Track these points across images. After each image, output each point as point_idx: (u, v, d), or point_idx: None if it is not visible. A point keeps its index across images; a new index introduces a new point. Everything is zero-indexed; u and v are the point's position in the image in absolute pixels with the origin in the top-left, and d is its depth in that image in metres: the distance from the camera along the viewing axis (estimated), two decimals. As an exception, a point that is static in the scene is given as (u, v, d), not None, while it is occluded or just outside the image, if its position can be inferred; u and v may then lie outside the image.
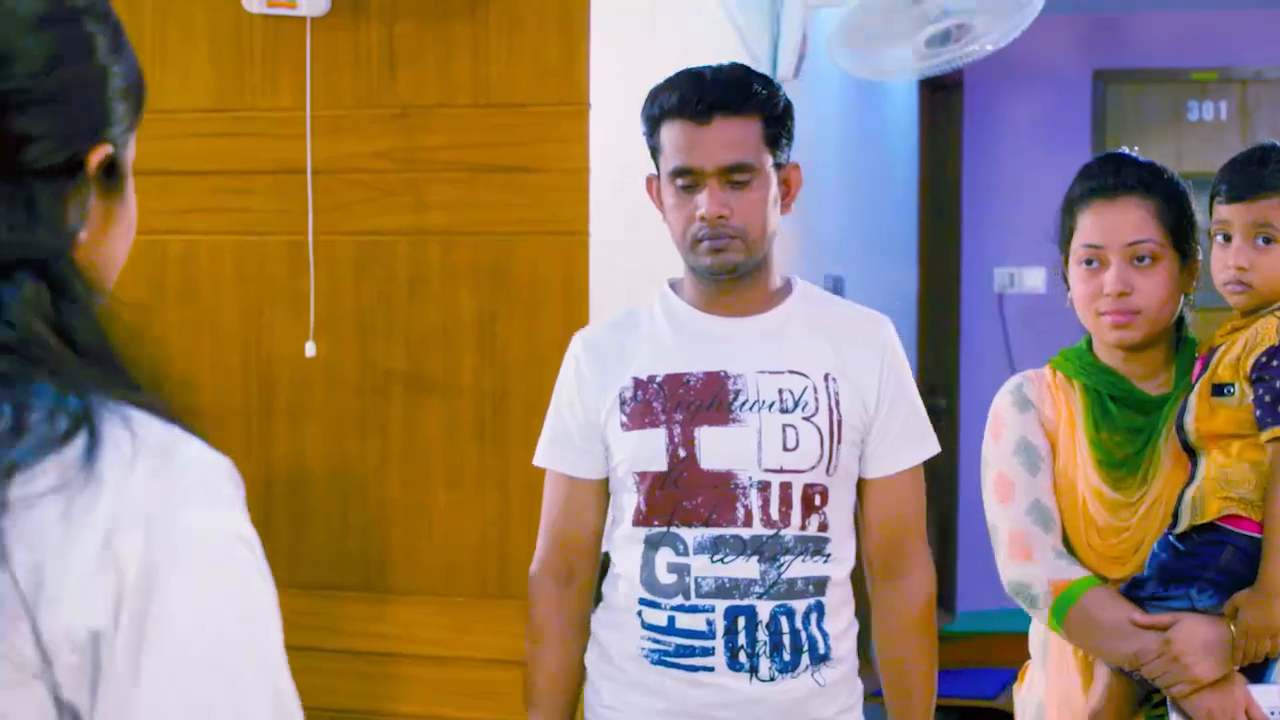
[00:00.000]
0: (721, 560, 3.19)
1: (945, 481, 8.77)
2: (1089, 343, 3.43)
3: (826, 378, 3.26)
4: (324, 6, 4.24)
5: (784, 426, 3.22)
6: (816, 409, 3.24)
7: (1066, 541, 3.33)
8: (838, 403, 3.25)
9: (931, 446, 3.40)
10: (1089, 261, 3.32)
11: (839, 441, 3.25)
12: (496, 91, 4.22)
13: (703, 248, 3.22)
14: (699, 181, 3.20)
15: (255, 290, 4.41)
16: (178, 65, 4.44)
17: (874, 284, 7.64)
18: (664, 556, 3.24)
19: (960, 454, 8.69)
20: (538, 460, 3.43)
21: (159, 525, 1.37)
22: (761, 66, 5.26)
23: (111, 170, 1.54)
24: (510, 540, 4.21)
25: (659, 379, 3.27)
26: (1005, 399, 3.43)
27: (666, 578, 3.23)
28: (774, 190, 3.25)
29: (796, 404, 3.23)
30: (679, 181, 3.22)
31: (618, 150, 4.23)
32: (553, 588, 3.41)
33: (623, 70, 4.29)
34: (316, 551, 4.37)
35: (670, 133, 3.22)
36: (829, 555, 3.25)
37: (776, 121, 3.24)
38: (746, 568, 3.19)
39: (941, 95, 9.31)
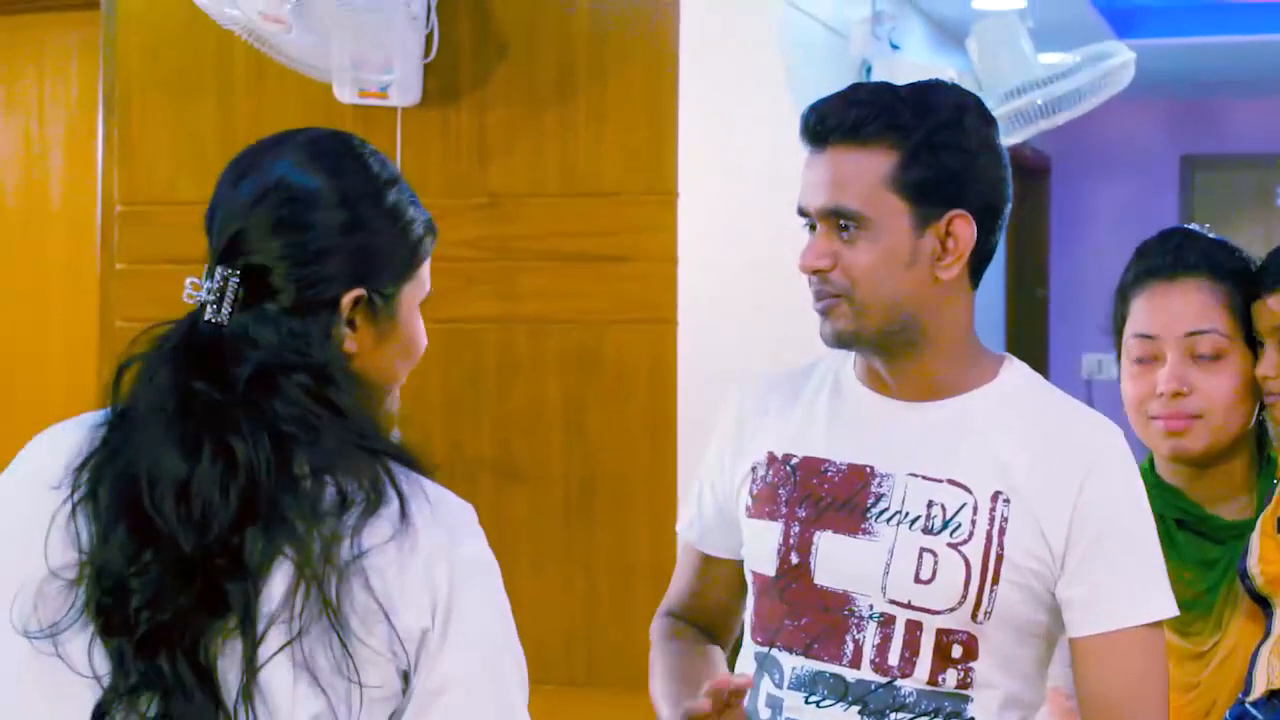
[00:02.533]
0: (816, 703, 2.50)
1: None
2: (1152, 460, 2.87)
3: (996, 497, 2.47)
4: (415, 96, 4.28)
5: (921, 551, 2.47)
6: (970, 535, 2.46)
7: None
8: (1003, 532, 2.45)
9: (1165, 606, 2.49)
10: (1141, 357, 2.81)
11: (994, 581, 2.44)
12: (585, 180, 4.24)
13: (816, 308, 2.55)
14: (814, 225, 2.53)
15: (345, 377, 4.42)
16: (270, 155, 4.48)
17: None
18: (765, 685, 2.56)
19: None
20: (679, 526, 2.83)
21: (455, 557, 1.99)
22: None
23: (373, 305, 2.07)
24: (598, 627, 4.20)
25: (795, 460, 2.58)
26: None
27: (763, 712, 2.56)
28: (902, 244, 2.46)
29: (945, 525, 2.47)
30: (802, 223, 2.56)
31: (706, 239, 4.24)
32: (674, 625, 2.81)
33: (711, 159, 4.30)
34: (405, 638, 4.37)
35: (804, 160, 2.57)
36: None
37: (919, 158, 2.46)
38: (844, 719, 2.49)
39: (1030, 180, 9.30)
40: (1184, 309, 2.76)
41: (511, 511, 4.29)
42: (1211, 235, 2.87)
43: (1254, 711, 2.59)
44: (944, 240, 2.48)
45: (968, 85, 5.59)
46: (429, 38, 4.28)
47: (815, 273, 2.48)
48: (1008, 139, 5.74)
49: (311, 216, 2.03)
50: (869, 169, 2.45)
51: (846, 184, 2.46)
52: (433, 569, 1.96)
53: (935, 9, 6.66)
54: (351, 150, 2.12)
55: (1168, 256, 2.79)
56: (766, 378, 2.73)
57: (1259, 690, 2.58)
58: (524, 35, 4.29)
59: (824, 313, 2.50)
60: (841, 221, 2.46)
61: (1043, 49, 5.76)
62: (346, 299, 2.03)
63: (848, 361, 2.63)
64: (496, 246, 4.31)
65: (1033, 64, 5.62)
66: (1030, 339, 9.36)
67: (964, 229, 2.48)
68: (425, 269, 2.20)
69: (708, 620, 2.78)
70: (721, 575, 2.74)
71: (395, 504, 1.96)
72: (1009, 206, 2.59)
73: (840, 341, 2.51)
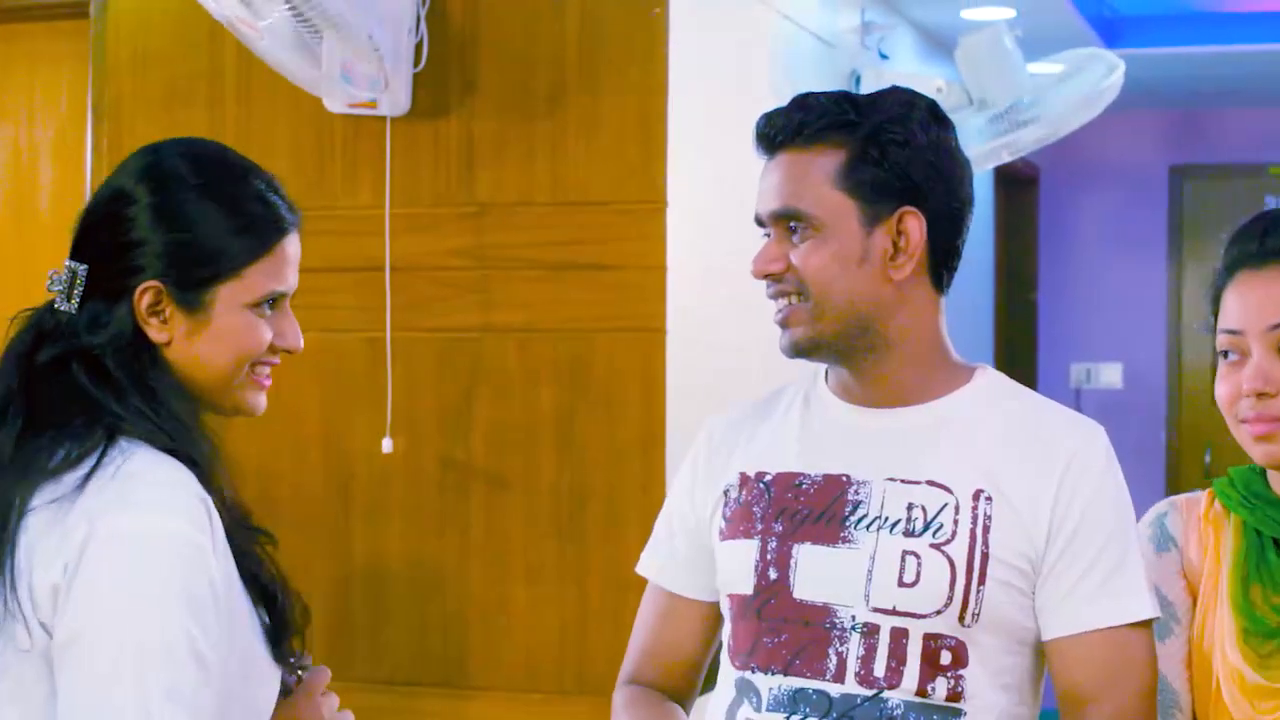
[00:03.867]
0: None
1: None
2: (1264, 471, 2.53)
3: (978, 496, 2.40)
4: (404, 106, 4.29)
5: (904, 554, 2.38)
6: (954, 535, 2.38)
7: None
8: (986, 530, 2.38)
9: (1140, 607, 2.40)
10: (1226, 353, 2.47)
11: (981, 581, 2.37)
12: (575, 190, 4.24)
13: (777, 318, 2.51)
14: (770, 232, 2.50)
15: (335, 387, 4.43)
16: (259, 164, 4.48)
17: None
18: (743, 711, 2.46)
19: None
20: (639, 567, 2.73)
21: (100, 524, 2.05)
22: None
23: (180, 298, 2.19)
24: (589, 637, 4.20)
25: (769, 477, 2.51)
26: (1143, 533, 2.56)
27: None
28: (852, 243, 2.43)
29: (927, 526, 2.39)
30: (761, 233, 2.53)
31: (696, 248, 4.25)
32: (640, 689, 2.67)
33: (701, 169, 4.31)
34: (396, 647, 4.37)
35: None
36: None
37: (867, 155, 2.43)
38: None
39: (1017, 190, 9.31)
40: (1268, 300, 2.43)
41: (502, 520, 4.30)
42: None
43: None
44: (895, 239, 2.44)
45: (956, 95, 5.63)
46: (418, 47, 4.28)
47: (768, 276, 2.47)
48: (995, 162, 5.76)
49: (125, 212, 2.20)
50: (817, 169, 2.43)
51: (795, 186, 2.44)
52: (74, 531, 2.06)
53: (924, 19, 6.67)
54: (193, 153, 2.28)
55: (1253, 243, 2.49)
56: (735, 409, 2.69)
57: None
58: (514, 45, 4.29)
59: (782, 323, 2.47)
60: (791, 224, 2.44)
61: (1031, 59, 5.77)
62: (138, 291, 2.18)
63: (819, 378, 2.59)
64: (485, 255, 4.31)
65: (1021, 74, 5.64)
66: (1019, 348, 9.37)
67: (915, 226, 2.44)
68: (270, 267, 2.28)
69: (669, 679, 2.66)
70: (687, 620, 2.64)
71: (84, 470, 2.09)
72: (969, 207, 2.55)
73: (799, 350, 2.47)
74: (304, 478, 4.44)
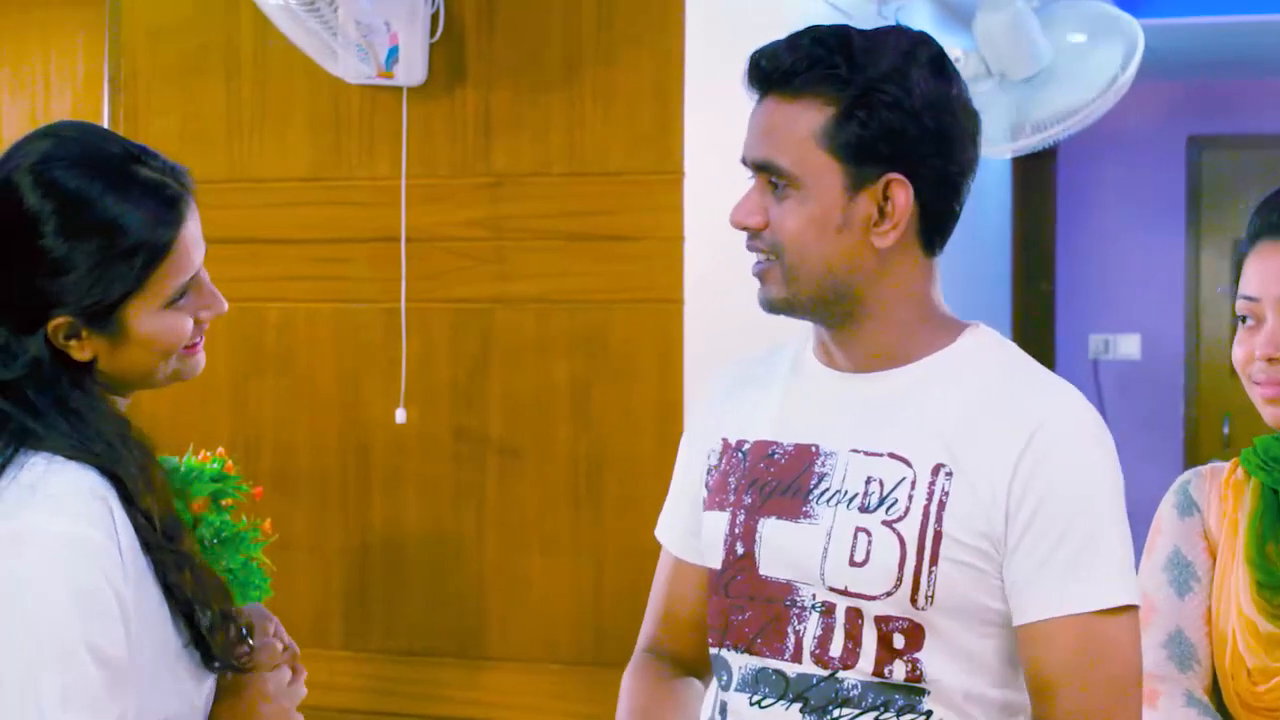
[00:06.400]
0: (759, 704, 2.31)
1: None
2: None
3: (937, 470, 2.24)
4: (420, 76, 4.28)
5: (856, 531, 2.25)
6: (907, 511, 2.23)
7: (1217, 686, 2.56)
8: (942, 506, 2.22)
9: (1109, 593, 2.20)
10: (1244, 318, 2.53)
11: (933, 561, 2.21)
12: (591, 160, 4.24)
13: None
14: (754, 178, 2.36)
15: (351, 358, 4.43)
16: (276, 135, 4.49)
17: (968, 351, 7.60)
18: (714, 689, 2.40)
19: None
20: (656, 527, 2.65)
21: None
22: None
23: (98, 321, 2.15)
24: (606, 607, 4.21)
25: (747, 445, 2.40)
26: (1168, 500, 2.64)
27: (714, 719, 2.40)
28: (833, 207, 2.27)
29: (881, 501, 2.25)
30: (746, 175, 2.39)
31: (712, 218, 4.23)
32: (650, 661, 2.59)
33: (717, 138, 4.30)
34: (412, 618, 4.38)
35: None
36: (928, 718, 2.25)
37: (854, 114, 2.24)
38: (785, 718, 2.29)
39: (1035, 163, 9.29)
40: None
41: (518, 493, 4.30)
42: None
43: None
44: (880, 205, 2.26)
45: (973, 65, 5.60)
46: (435, 17, 4.27)
47: (745, 229, 2.34)
48: (1022, 142, 5.72)
49: (23, 244, 2.14)
50: (801, 123, 2.26)
51: (778, 138, 2.28)
52: None
53: (942, -11, 6.66)
54: (81, 159, 2.16)
55: (1274, 214, 2.54)
56: (737, 364, 2.57)
57: None
58: (530, 14, 4.28)
59: (759, 277, 2.35)
60: (773, 179, 2.29)
61: (1051, 31, 5.75)
62: (50, 326, 2.15)
63: (809, 340, 2.43)
64: (501, 226, 4.30)
65: (1039, 44, 5.62)
66: (1037, 320, 9.35)
67: (901, 194, 2.26)
68: (172, 265, 2.19)
69: (682, 643, 2.55)
70: (692, 586, 2.51)
71: None
72: (969, 171, 2.34)
73: (773, 308, 2.34)
74: (320, 449, 4.44)
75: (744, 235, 2.38)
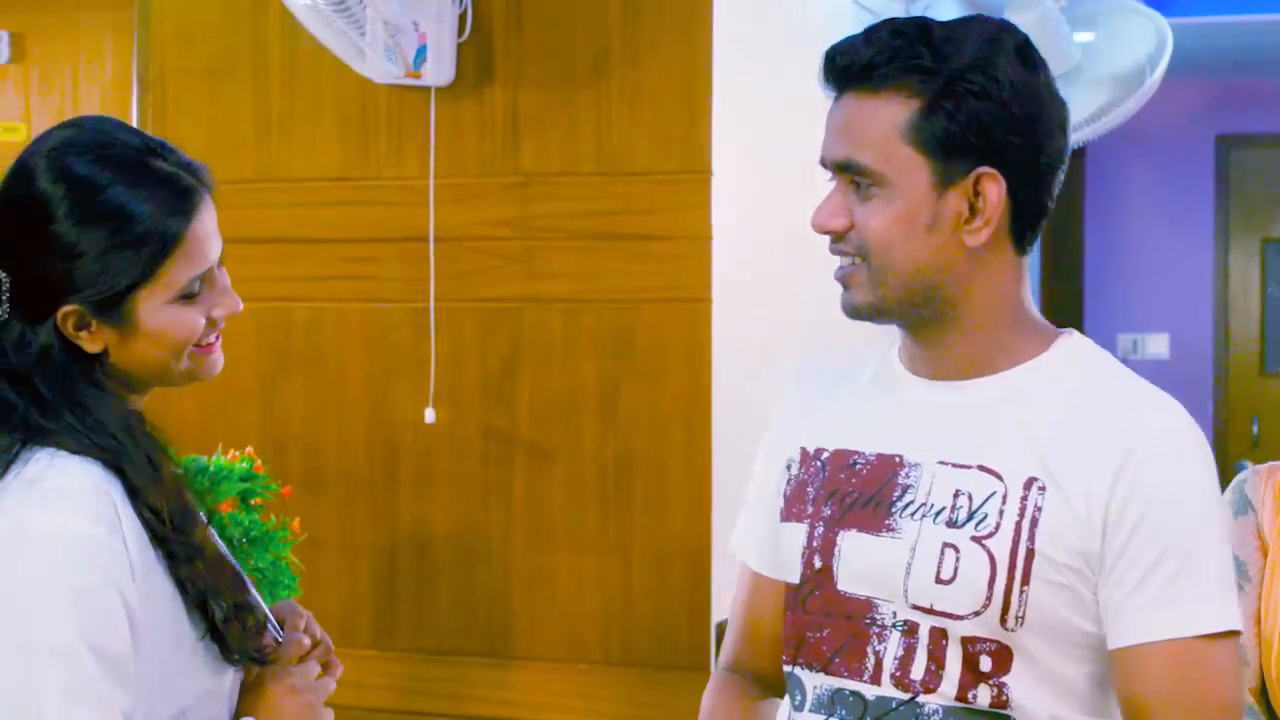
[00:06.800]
0: None
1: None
2: None
3: (1030, 485, 2.11)
4: (448, 76, 4.29)
5: (944, 547, 2.13)
6: (997, 528, 2.10)
7: (1266, 691, 2.51)
8: (1034, 523, 2.09)
9: (1209, 617, 2.07)
10: None
11: (1025, 581, 2.08)
12: (619, 160, 4.24)
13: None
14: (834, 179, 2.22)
15: (380, 357, 4.44)
16: (305, 135, 4.50)
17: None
18: (785, 708, 2.30)
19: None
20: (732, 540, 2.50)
21: None
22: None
23: (107, 310, 2.14)
24: (633, 607, 4.21)
25: (826, 454, 2.28)
26: (1225, 499, 2.53)
27: None
28: (921, 205, 2.15)
29: (970, 516, 2.12)
30: (826, 177, 2.24)
31: (740, 217, 4.23)
32: (731, 680, 2.46)
33: (745, 138, 4.30)
34: (440, 617, 4.38)
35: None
36: None
37: (941, 106, 2.12)
38: None
39: (1063, 161, 9.27)
40: None
41: (547, 492, 4.30)
42: None
43: None
44: (972, 201, 2.14)
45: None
46: (463, 17, 4.28)
47: (828, 232, 2.19)
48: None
49: (36, 233, 2.14)
50: (884, 119, 2.13)
51: (860, 135, 2.14)
52: None
53: (969, -12, 6.64)
54: (95, 151, 2.16)
55: None
56: (817, 364, 2.43)
57: None
58: (558, 14, 4.29)
59: (842, 282, 2.19)
60: (856, 178, 2.15)
61: (1077, 29, 5.73)
62: (59, 315, 2.15)
63: (894, 345, 2.30)
64: (530, 226, 4.31)
65: (1067, 44, 5.60)
66: (1066, 319, 9.32)
67: (994, 189, 2.13)
68: (184, 256, 2.17)
69: (765, 661, 2.39)
70: (772, 600, 2.36)
71: None
72: (1060, 160, 2.22)
73: (857, 314, 2.20)
74: (348, 448, 4.45)
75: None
